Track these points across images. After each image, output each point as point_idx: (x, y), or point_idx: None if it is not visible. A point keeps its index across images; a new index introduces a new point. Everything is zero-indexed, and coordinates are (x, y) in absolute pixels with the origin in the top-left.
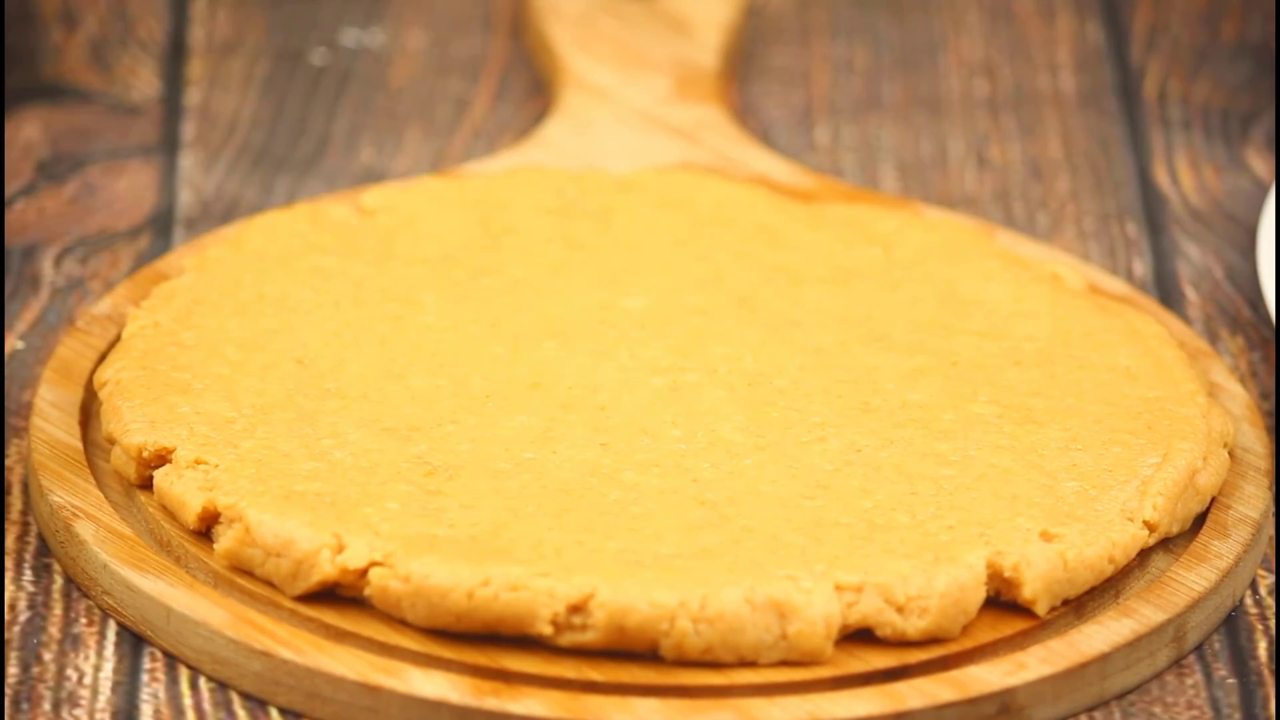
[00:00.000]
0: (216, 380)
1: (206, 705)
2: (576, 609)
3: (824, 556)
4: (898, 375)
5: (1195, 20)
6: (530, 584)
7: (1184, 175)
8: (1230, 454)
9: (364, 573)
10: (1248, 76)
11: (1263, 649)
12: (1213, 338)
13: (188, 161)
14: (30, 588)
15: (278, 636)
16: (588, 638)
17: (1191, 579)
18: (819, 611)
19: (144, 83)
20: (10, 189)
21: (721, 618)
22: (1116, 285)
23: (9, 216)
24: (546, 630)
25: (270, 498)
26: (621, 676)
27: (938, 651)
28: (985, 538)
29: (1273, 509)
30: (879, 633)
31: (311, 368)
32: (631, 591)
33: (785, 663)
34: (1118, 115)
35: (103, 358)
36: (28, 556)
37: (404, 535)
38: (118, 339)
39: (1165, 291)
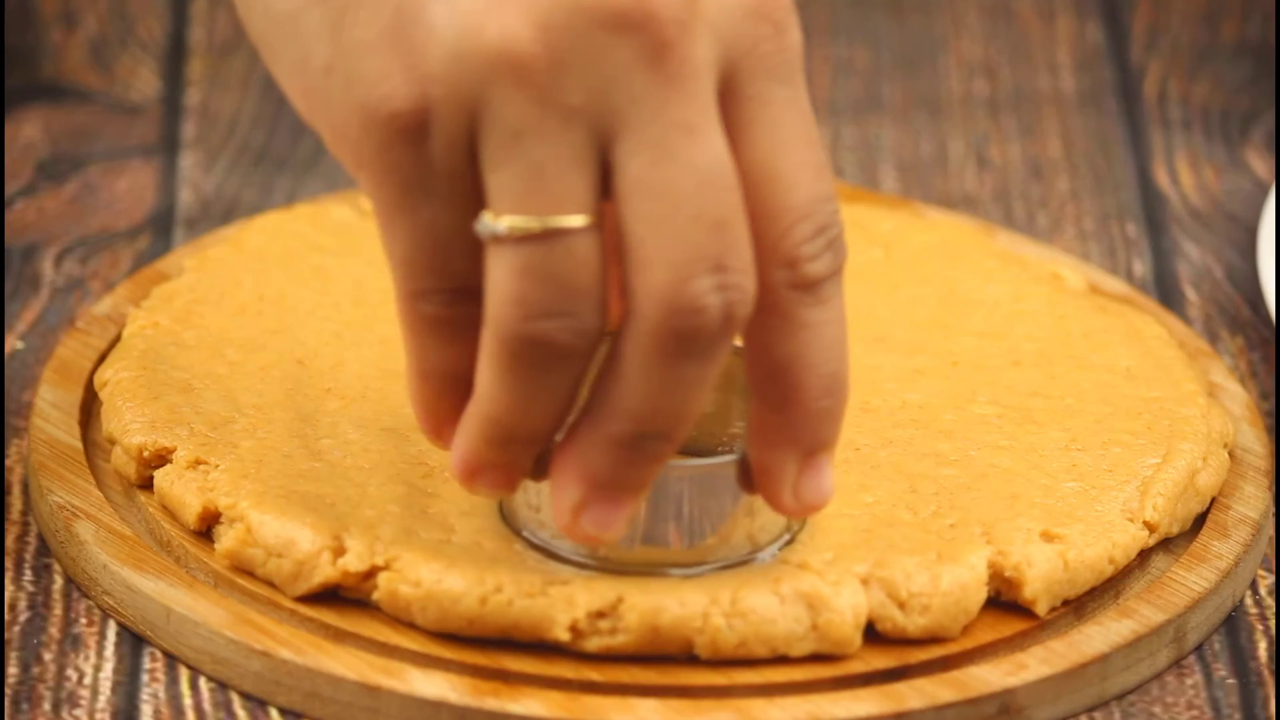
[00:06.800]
0: (216, 380)
1: (206, 705)
2: (602, 614)
3: (831, 545)
4: (898, 375)
5: (1195, 20)
6: (548, 591)
7: (1184, 175)
8: (1230, 454)
9: (365, 576)
10: (1248, 76)
11: (1263, 649)
12: (1213, 338)
13: (188, 161)
14: (30, 588)
15: (278, 636)
16: (619, 641)
17: (1191, 579)
18: (847, 602)
19: (144, 83)
20: (10, 189)
21: (754, 611)
22: (1116, 285)
23: (9, 216)
24: (564, 636)
25: (271, 498)
26: (621, 676)
27: (938, 651)
28: (986, 537)
29: (1273, 509)
30: (879, 626)
31: (311, 368)
32: (660, 592)
33: (796, 659)
34: (1118, 115)
35: (103, 358)
36: (28, 556)
37: (406, 541)
38: (118, 339)
39: (1165, 291)
